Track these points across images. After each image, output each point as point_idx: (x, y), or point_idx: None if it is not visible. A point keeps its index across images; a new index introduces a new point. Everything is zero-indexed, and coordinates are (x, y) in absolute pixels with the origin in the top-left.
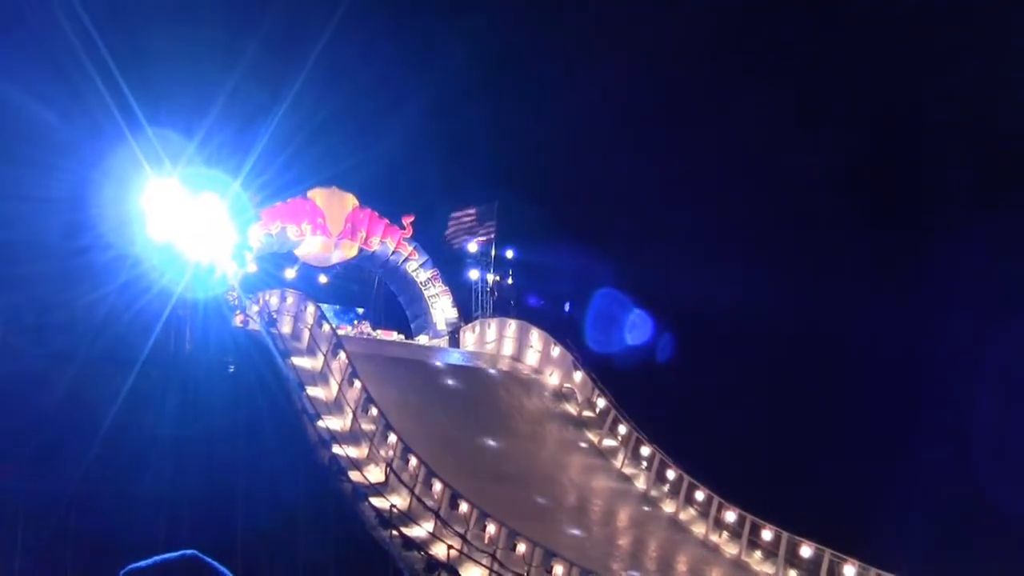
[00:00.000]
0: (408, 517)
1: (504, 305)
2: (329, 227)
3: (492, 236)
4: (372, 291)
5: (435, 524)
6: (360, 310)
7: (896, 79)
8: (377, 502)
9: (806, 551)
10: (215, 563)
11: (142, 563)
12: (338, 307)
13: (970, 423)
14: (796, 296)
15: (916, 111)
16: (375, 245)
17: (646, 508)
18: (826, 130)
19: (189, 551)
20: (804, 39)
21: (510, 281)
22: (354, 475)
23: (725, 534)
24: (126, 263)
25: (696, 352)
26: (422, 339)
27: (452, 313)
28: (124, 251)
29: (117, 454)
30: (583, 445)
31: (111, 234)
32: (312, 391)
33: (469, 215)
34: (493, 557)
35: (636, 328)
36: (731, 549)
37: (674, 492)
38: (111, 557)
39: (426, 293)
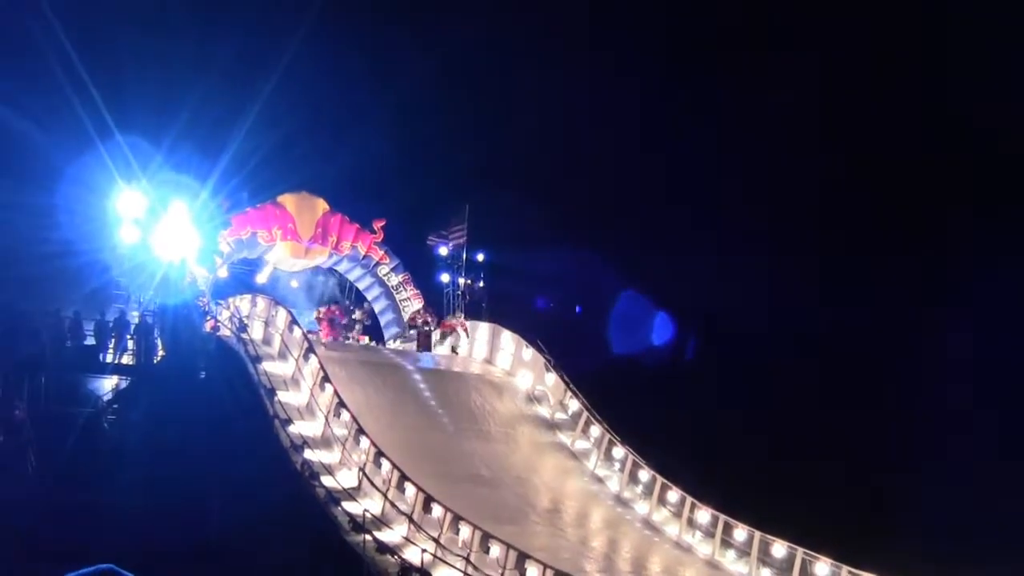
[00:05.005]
0: (381, 521)
1: (476, 308)
2: (299, 232)
3: (463, 239)
4: (343, 296)
5: (408, 528)
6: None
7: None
8: (350, 507)
9: (779, 550)
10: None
11: None
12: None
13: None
14: (782, 292)
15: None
16: (346, 249)
17: (619, 509)
18: (815, 128)
19: (105, 565)
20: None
21: (481, 284)
22: (326, 480)
23: (698, 534)
24: (95, 269)
25: (677, 351)
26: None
27: None
28: (93, 257)
29: (86, 462)
30: (556, 447)
31: (80, 240)
32: (283, 396)
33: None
34: (467, 560)
35: (613, 328)
36: (704, 549)
37: (647, 493)
38: (81, 566)
39: (397, 297)
